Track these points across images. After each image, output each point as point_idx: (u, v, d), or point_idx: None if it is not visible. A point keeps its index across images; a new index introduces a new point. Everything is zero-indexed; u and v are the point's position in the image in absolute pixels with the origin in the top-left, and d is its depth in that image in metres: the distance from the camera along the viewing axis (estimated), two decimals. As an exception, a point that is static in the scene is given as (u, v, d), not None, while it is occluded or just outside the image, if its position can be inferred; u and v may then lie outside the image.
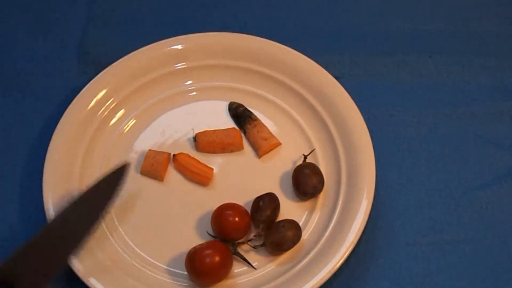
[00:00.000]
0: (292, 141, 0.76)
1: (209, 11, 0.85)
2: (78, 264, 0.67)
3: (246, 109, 0.77)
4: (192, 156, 0.74)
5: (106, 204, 0.67)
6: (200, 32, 0.79)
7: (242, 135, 0.76)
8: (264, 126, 0.76)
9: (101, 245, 0.70)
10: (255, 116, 0.77)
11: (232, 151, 0.75)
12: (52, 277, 0.64)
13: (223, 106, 0.78)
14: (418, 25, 0.84)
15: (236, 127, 0.76)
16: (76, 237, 0.66)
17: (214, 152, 0.75)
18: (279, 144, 0.75)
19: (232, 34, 0.79)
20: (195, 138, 0.75)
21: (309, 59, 0.77)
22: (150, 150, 0.74)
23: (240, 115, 0.77)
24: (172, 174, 0.74)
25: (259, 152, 0.75)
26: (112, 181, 0.68)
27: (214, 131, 0.75)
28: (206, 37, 0.79)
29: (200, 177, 0.73)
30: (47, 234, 0.64)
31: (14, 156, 0.76)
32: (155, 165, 0.73)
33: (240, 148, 0.75)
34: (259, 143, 0.75)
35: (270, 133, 0.76)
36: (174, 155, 0.74)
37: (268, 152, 0.75)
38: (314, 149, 0.75)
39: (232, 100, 0.77)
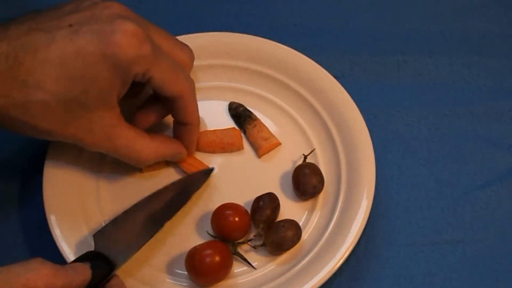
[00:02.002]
0: (292, 141, 0.76)
1: (209, 11, 0.84)
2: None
3: (246, 109, 0.77)
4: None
5: (188, 197, 0.70)
6: (200, 32, 0.79)
7: (242, 135, 0.76)
8: (264, 126, 0.76)
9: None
10: (255, 116, 0.77)
11: (232, 151, 0.75)
12: (136, 251, 0.66)
13: (223, 106, 0.78)
14: (418, 25, 0.84)
15: (236, 127, 0.76)
16: (162, 218, 0.69)
17: (214, 152, 0.75)
18: (279, 144, 0.75)
19: (232, 34, 0.79)
20: (194, 139, 0.75)
21: (309, 59, 0.77)
22: None
23: (240, 115, 0.77)
24: (172, 174, 0.74)
25: (259, 152, 0.75)
26: (197, 179, 0.72)
27: (214, 131, 0.75)
28: (206, 37, 0.79)
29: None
30: (136, 210, 0.68)
31: (15, 156, 0.76)
32: None
33: (240, 148, 0.75)
34: (259, 143, 0.75)
35: (270, 133, 0.76)
36: None
37: (268, 152, 0.75)
38: (314, 149, 0.75)
39: (232, 100, 0.77)
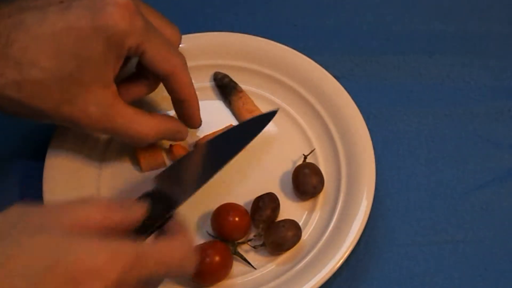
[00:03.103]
0: (292, 141, 0.76)
1: (209, 11, 0.85)
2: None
3: (231, 80, 0.77)
4: (189, 150, 0.74)
5: (249, 140, 0.71)
6: (200, 32, 0.79)
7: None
8: (250, 98, 0.76)
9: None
10: (241, 88, 0.77)
11: (234, 147, 0.75)
12: (197, 189, 0.67)
13: (223, 105, 0.78)
14: (418, 25, 0.84)
15: (233, 124, 0.76)
16: (218, 163, 0.69)
17: (218, 153, 0.75)
18: None
19: (232, 34, 0.79)
20: (196, 145, 0.75)
21: (309, 59, 0.77)
22: (136, 148, 0.74)
23: (226, 85, 0.77)
24: (172, 174, 0.74)
25: None
26: (260, 121, 0.72)
27: (213, 133, 0.75)
28: (206, 37, 0.79)
29: None
30: (196, 154, 0.69)
31: (15, 155, 0.76)
32: (152, 155, 0.74)
33: None
34: (243, 115, 0.76)
35: (255, 105, 0.76)
36: (170, 145, 0.74)
37: None
38: (314, 149, 0.75)
39: (217, 71, 0.78)
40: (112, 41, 0.61)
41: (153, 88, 0.70)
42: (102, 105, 0.64)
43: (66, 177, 0.72)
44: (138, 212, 0.57)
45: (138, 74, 0.70)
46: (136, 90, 0.70)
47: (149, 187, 0.66)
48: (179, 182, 0.66)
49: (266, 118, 0.72)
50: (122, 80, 0.70)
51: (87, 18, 0.60)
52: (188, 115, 0.71)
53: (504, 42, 0.83)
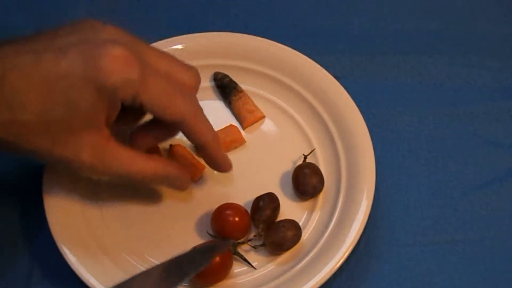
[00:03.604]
0: (292, 141, 0.76)
1: (209, 11, 0.85)
2: (78, 264, 0.67)
3: (231, 80, 0.77)
4: (188, 150, 0.74)
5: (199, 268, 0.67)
6: (200, 32, 0.79)
7: (239, 129, 0.76)
8: (250, 98, 0.76)
9: (101, 244, 0.70)
10: (241, 88, 0.77)
11: (235, 147, 0.75)
12: None
13: (223, 105, 0.78)
14: (418, 25, 0.84)
15: (233, 124, 0.76)
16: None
17: (219, 154, 0.75)
18: (264, 116, 0.76)
19: (232, 34, 0.79)
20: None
21: (309, 59, 0.77)
22: None
23: (226, 86, 0.77)
24: (172, 174, 0.74)
25: (243, 124, 0.76)
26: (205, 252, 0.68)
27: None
28: (206, 37, 0.79)
29: (189, 172, 0.73)
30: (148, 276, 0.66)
31: (14, 156, 0.76)
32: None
33: (242, 142, 0.75)
34: (243, 115, 0.76)
35: (255, 105, 0.76)
36: (171, 145, 0.74)
37: (252, 124, 0.76)
38: (314, 149, 0.75)
39: (217, 71, 0.77)
40: (102, 93, 0.61)
41: (171, 134, 0.69)
42: (94, 149, 0.63)
43: (66, 178, 0.72)
44: None
45: (153, 121, 0.69)
46: (153, 136, 0.69)
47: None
48: None
49: (220, 247, 0.68)
50: (140, 126, 0.69)
51: (80, 67, 0.60)
52: (210, 160, 0.70)
53: (504, 42, 0.83)
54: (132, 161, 0.65)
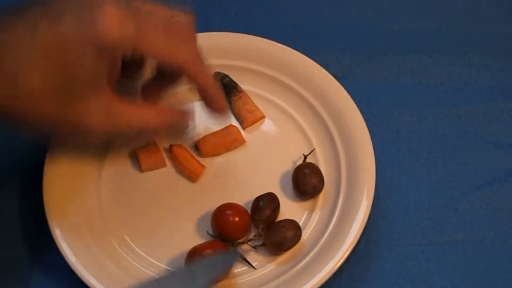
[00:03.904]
0: (292, 141, 0.76)
1: (209, 11, 0.84)
2: (78, 264, 0.67)
3: (231, 80, 0.77)
4: (188, 150, 0.74)
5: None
6: (200, 32, 0.79)
7: (240, 130, 0.76)
8: (250, 98, 0.76)
9: (101, 244, 0.70)
10: (241, 88, 0.77)
11: (236, 147, 0.75)
12: None
13: (223, 106, 0.78)
14: (418, 25, 0.84)
15: (233, 124, 0.76)
16: None
17: (219, 154, 0.75)
18: (264, 116, 0.76)
19: (232, 34, 0.79)
20: (197, 146, 0.75)
21: (309, 59, 0.77)
22: (136, 149, 0.74)
23: (226, 86, 0.77)
24: (173, 174, 0.74)
25: (243, 124, 0.76)
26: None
27: (214, 133, 0.75)
28: (206, 37, 0.79)
29: (189, 172, 0.73)
30: None
31: (14, 156, 0.76)
32: (152, 155, 0.74)
33: (242, 142, 0.75)
34: (243, 115, 0.76)
35: (255, 105, 0.76)
36: (171, 145, 0.74)
37: (252, 124, 0.76)
38: (314, 149, 0.75)
39: (217, 71, 0.78)
40: (102, 52, 0.61)
41: (176, 83, 0.71)
42: (100, 109, 0.64)
43: (66, 177, 0.72)
44: None
45: (158, 73, 0.70)
46: (160, 88, 0.71)
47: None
48: None
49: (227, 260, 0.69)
50: (146, 83, 0.71)
51: (76, 30, 0.61)
52: (210, 101, 0.70)
53: (504, 42, 0.83)
54: (138, 115, 0.67)
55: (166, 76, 0.70)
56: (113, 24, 0.61)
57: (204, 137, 0.75)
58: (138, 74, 0.70)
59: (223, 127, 0.76)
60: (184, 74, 0.67)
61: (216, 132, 0.75)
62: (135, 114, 0.67)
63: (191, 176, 0.73)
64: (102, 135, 0.66)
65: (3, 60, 0.60)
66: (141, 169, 0.74)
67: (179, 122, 0.71)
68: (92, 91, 0.63)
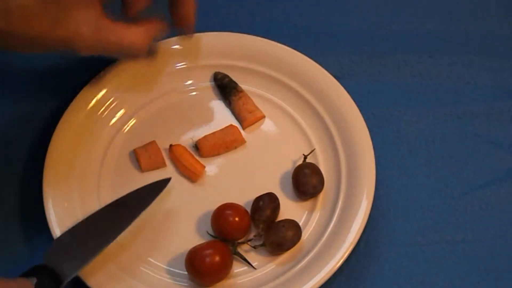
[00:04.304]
0: (292, 141, 0.76)
1: (209, 11, 0.84)
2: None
3: (231, 80, 0.77)
4: (188, 150, 0.74)
5: (140, 210, 0.69)
6: (200, 32, 0.79)
7: (240, 130, 0.76)
8: (250, 98, 0.76)
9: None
10: (241, 88, 0.77)
11: (236, 147, 0.75)
12: (86, 264, 0.66)
13: (223, 105, 0.78)
14: (418, 25, 0.84)
15: (233, 124, 0.76)
16: (110, 233, 0.68)
17: (219, 154, 0.75)
18: (264, 116, 0.76)
19: (232, 34, 0.79)
20: (196, 146, 0.75)
21: (309, 59, 0.77)
22: (136, 149, 0.75)
23: (226, 86, 0.77)
24: (171, 173, 0.74)
25: (243, 124, 0.76)
26: (151, 191, 0.70)
27: (214, 133, 0.75)
28: (206, 37, 0.79)
29: (189, 172, 0.73)
30: (84, 225, 0.68)
31: (14, 156, 0.76)
32: (152, 155, 0.74)
33: (242, 142, 0.75)
34: (243, 115, 0.76)
35: (255, 105, 0.76)
36: (171, 145, 0.74)
37: (252, 124, 0.76)
38: (314, 149, 0.75)
39: (217, 71, 0.78)
40: None
41: None
42: (92, 24, 0.66)
43: (66, 177, 0.72)
44: None
45: None
46: (138, 3, 0.72)
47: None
48: (69, 257, 0.66)
49: (158, 187, 0.71)
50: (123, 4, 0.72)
51: None
52: (182, 15, 0.72)
53: (504, 42, 0.83)
54: (126, 30, 0.68)
55: None
56: None
57: (204, 137, 0.75)
58: None
59: (223, 127, 0.76)
60: None
61: (216, 132, 0.75)
62: (124, 31, 0.68)
63: (191, 176, 0.73)
64: (92, 48, 0.67)
65: None
66: (141, 169, 0.74)
67: (162, 31, 0.72)
68: (84, 5, 0.65)
